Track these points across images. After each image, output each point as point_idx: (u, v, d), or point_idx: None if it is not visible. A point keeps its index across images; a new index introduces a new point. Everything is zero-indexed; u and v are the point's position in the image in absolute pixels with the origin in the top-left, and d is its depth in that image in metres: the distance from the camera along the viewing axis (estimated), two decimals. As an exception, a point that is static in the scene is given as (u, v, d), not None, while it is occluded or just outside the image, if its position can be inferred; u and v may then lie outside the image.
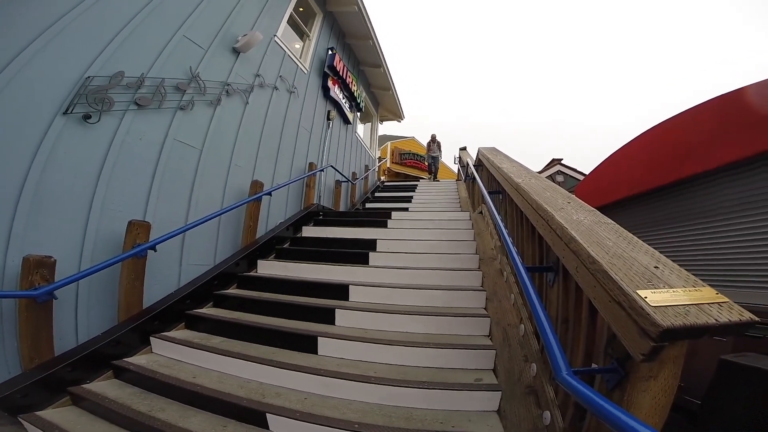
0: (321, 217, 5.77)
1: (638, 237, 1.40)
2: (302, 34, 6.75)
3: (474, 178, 5.00)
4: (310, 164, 6.38)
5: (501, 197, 3.52)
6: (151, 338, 2.91)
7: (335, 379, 2.18)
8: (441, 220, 5.08)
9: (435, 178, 11.82)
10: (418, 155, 20.07)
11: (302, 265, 3.98)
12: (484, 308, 2.91)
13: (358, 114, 9.64)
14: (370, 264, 3.86)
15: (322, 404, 2.05)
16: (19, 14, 2.50)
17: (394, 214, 5.37)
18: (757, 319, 0.94)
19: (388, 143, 19.89)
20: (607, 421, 0.85)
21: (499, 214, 2.94)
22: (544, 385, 1.68)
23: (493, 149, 4.52)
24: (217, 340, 2.88)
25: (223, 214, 3.88)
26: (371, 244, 4.19)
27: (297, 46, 6.54)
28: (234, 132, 4.44)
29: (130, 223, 2.94)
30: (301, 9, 6.57)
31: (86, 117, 2.77)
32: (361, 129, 10.67)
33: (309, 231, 5.14)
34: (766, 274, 3.23)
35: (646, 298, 0.99)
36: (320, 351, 2.58)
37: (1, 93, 2.34)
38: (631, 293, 1.02)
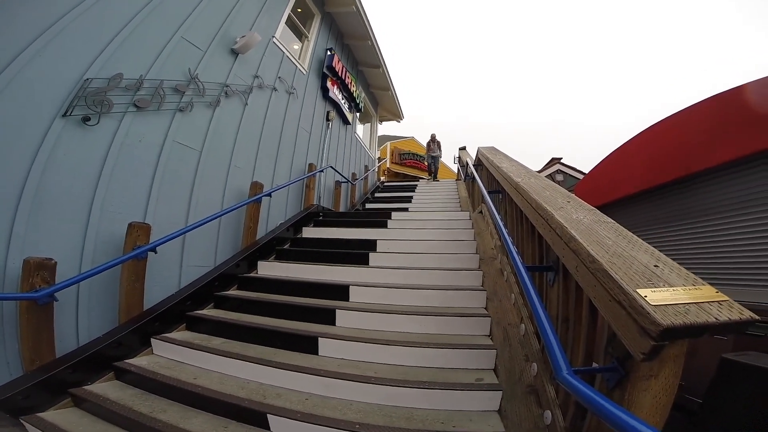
0: (321, 218, 5.77)
1: (638, 236, 1.40)
2: (301, 35, 6.75)
3: (474, 177, 5.00)
4: (310, 165, 6.39)
5: (501, 197, 3.52)
6: (151, 339, 2.91)
7: (336, 379, 2.18)
8: (441, 220, 5.08)
9: (435, 178, 11.81)
10: (417, 155, 20.08)
11: (302, 265, 3.98)
12: (485, 308, 2.90)
13: (358, 114, 9.64)
14: (370, 264, 3.86)
15: (323, 405, 2.05)
16: (19, 15, 2.50)
17: (394, 214, 5.37)
18: (757, 317, 0.94)
19: (388, 143, 19.89)
20: (608, 420, 0.85)
21: (498, 213, 2.94)
22: (544, 385, 1.68)
23: (493, 149, 4.53)
24: (217, 341, 2.88)
25: (223, 215, 3.88)
26: (371, 245, 4.19)
27: (295, 47, 6.54)
28: (233, 133, 4.44)
29: (130, 225, 2.94)
30: (299, 10, 6.57)
31: (85, 119, 2.77)
32: (360, 129, 10.67)
33: (309, 232, 5.14)
34: (766, 272, 3.23)
35: (646, 297, 0.99)
36: (321, 351, 2.58)
37: (1, 94, 2.34)
38: (631, 292, 1.02)
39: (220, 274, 3.77)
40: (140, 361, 2.70)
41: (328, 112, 7.35)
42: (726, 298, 1.00)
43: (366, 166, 10.46)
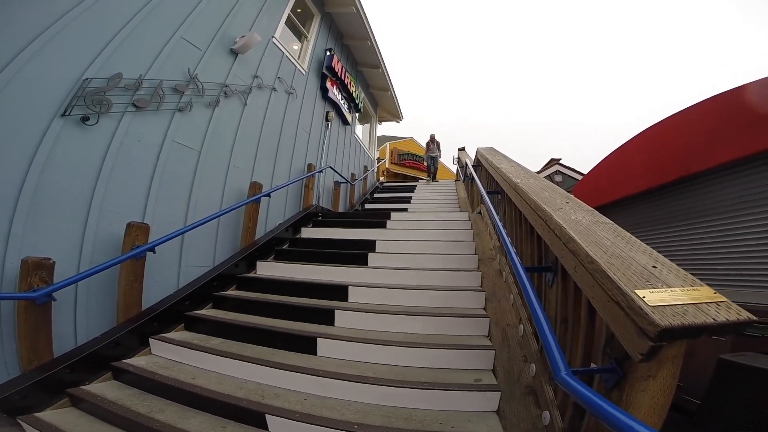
0: (320, 218, 5.77)
1: (636, 237, 1.40)
2: (300, 35, 6.75)
3: (473, 178, 5.00)
4: (309, 165, 6.39)
5: (500, 197, 3.52)
6: (150, 339, 2.91)
7: (334, 379, 2.18)
8: (440, 220, 5.08)
9: (434, 179, 11.80)
10: (416, 156, 20.08)
11: (301, 266, 3.98)
12: (483, 308, 2.91)
13: (357, 115, 9.64)
14: (369, 265, 3.86)
15: (321, 405, 2.05)
16: (18, 14, 2.50)
17: (393, 214, 5.37)
18: (755, 318, 0.94)
19: (387, 144, 19.90)
20: (606, 420, 0.85)
21: (497, 214, 2.94)
22: (543, 386, 1.69)
23: (492, 149, 4.53)
24: (216, 341, 2.88)
25: (222, 215, 3.88)
26: (370, 245, 4.19)
27: (295, 47, 6.54)
28: (232, 133, 4.44)
29: (128, 224, 2.94)
30: (299, 10, 6.57)
31: (84, 119, 2.76)
32: (359, 130, 10.68)
33: (308, 232, 5.13)
34: (764, 272, 3.24)
35: (644, 297, 0.99)
36: (319, 352, 2.58)
37: (0, 93, 2.34)
38: (629, 293, 1.02)
39: (218, 275, 3.77)
40: (138, 361, 2.69)
41: (327, 113, 7.35)
42: (724, 299, 1.00)
43: (365, 167, 10.46)
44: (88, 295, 2.74)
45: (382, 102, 11.70)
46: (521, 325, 2.22)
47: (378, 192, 10.55)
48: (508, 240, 2.17)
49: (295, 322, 2.98)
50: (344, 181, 8.06)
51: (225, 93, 4.28)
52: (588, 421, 1.28)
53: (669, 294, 1.01)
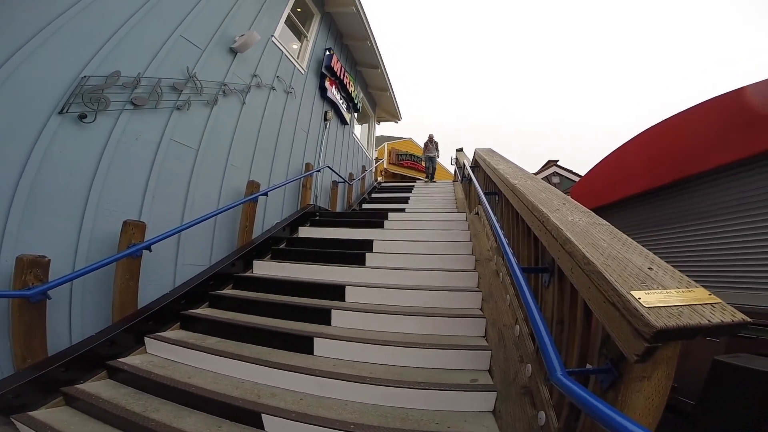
0: (317, 218, 5.77)
1: (633, 238, 1.41)
2: (300, 35, 6.74)
3: (470, 179, 5.01)
4: (307, 165, 6.38)
5: (497, 198, 3.53)
6: (145, 338, 2.89)
7: (331, 379, 2.18)
8: (437, 221, 5.09)
9: (432, 179, 11.80)
10: (415, 156, 20.09)
11: (298, 265, 3.97)
12: (480, 309, 2.91)
13: (356, 115, 9.64)
14: (366, 264, 3.86)
15: (317, 405, 2.05)
16: (16, 13, 2.48)
17: (390, 214, 5.38)
18: (749, 319, 0.95)
19: (386, 144, 19.90)
20: (601, 421, 0.86)
21: (495, 215, 2.95)
22: (539, 386, 1.69)
23: (490, 150, 4.54)
24: (212, 341, 2.87)
25: (219, 214, 3.87)
26: (368, 245, 4.19)
27: (294, 46, 6.53)
28: (231, 132, 4.43)
29: (125, 222, 2.93)
30: (298, 9, 6.57)
31: (82, 116, 2.75)
32: (358, 130, 10.68)
33: (305, 231, 5.13)
34: (758, 275, 3.25)
35: (639, 299, 0.99)
36: (316, 351, 2.58)
37: (-3, 91, 2.33)
38: (625, 294, 1.02)
39: (215, 273, 3.76)
40: (133, 360, 2.68)
41: (325, 112, 7.34)
42: (719, 300, 1.00)
43: (363, 167, 10.46)
44: (84, 293, 2.73)
45: (380, 102, 11.71)
46: (517, 326, 2.23)
47: (376, 192, 10.55)
48: (505, 241, 2.18)
49: (291, 322, 2.98)
50: (342, 180, 8.05)
51: (224, 92, 4.27)
52: (584, 422, 1.28)
53: (664, 295, 1.02)
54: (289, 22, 6.14)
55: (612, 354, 1.15)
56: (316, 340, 2.59)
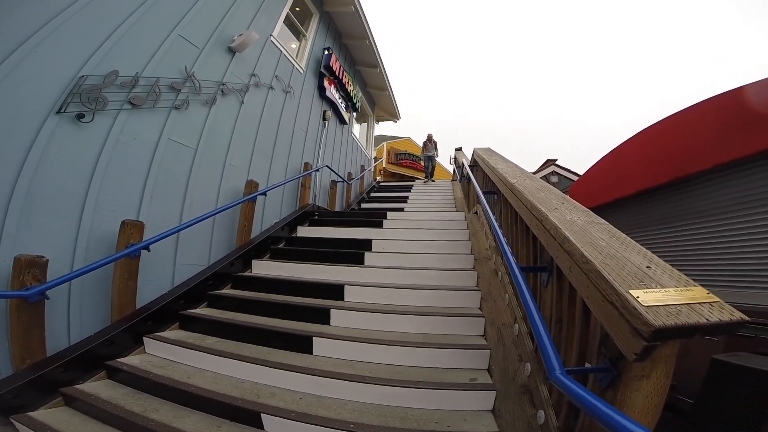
0: (316, 217, 5.77)
1: (631, 237, 1.41)
2: (298, 34, 6.73)
3: (469, 178, 5.01)
4: (306, 164, 6.38)
5: (496, 197, 3.53)
6: (144, 338, 2.89)
7: (330, 379, 2.18)
8: (436, 220, 5.10)
9: (431, 179, 11.78)
10: (414, 155, 20.09)
11: (297, 265, 3.97)
12: (479, 308, 2.92)
13: (354, 114, 9.64)
14: (365, 264, 3.86)
15: (317, 404, 2.05)
16: (14, 12, 2.47)
17: (389, 214, 5.38)
18: (747, 318, 0.95)
19: (384, 143, 19.90)
20: (600, 420, 0.86)
21: (493, 214, 2.95)
22: (538, 385, 1.69)
23: (488, 149, 4.54)
24: (211, 341, 2.87)
25: (218, 213, 3.86)
26: (367, 244, 4.19)
27: (293, 45, 6.52)
28: (229, 132, 4.42)
29: (123, 222, 2.92)
30: (297, 9, 6.56)
31: (79, 116, 2.75)
32: (357, 129, 10.67)
33: (304, 231, 5.13)
34: (756, 273, 3.26)
35: (638, 297, 0.99)
36: (315, 351, 2.58)
37: (-6, 91, 2.32)
38: (623, 293, 1.02)
39: (214, 273, 3.75)
40: (133, 360, 2.68)
41: (324, 112, 7.34)
42: (717, 299, 1.00)
43: (362, 166, 10.46)
44: (82, 293, 2.72)
45: (379, 101, 11.70)
46: (516, 325, 2.23)
47: (375, 191, 10.55)
48: (503, 240, 2.18)
49: (291, 322, 2.98)
50: (341, 180, 8.05)
51: (222, 91, 4.26)
52: (583, 421, 1.28)
53: (663, 294, 1.02)
54: (287, 22, 6.13)
55: (611, 353, 1.15)
56: (315, 339, 2.59)
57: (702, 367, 2.43)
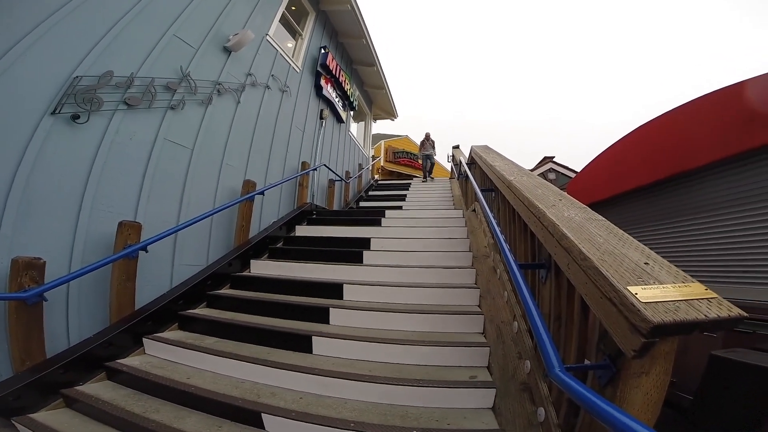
0: (314, 216, 5.76)
1: (629, 233, 1.41)
2: (295, 33, 6.71)
3: (467, 176, 5.02)
4: (303, 163, 6.36)
5: (494, 195, 3.53)
6: (143, 339, 2.88)
7: (330, 378, 2.18)
8: (435, 218, 5.09)
9: (431, 176, 11.72)
10: (411, 154, 20.07)
11: (296, 264, 3.97)
12: (478, 306, 2.92)
13: (352, 113, 9.62)
14: (364, 263, 3.85)
15: (317, 403, 2.05)
16: (7, 12, 2.46)
17: (387, 212, 5.37)
18: (746, 314, 0.95)
19: (382, 142, 19.87)
20: (600, 417, 0.86)
21: (491, 211, 2.95)
22: (537, 382, 1.69)
23: (486, 147, 4.54)
24: (210, 341, 2.87)
25: (215, 213, 3.86)
26: (365, 243, 4.19)
27: (289, 45, 6.50)
28: (226, 131, 4.41)
29: (120, 223, 2.91)
30: (293, 8, 6.53)
31: (75, 117, 2.73)
32: (354, 128, 10.64)
33: (302, 230, 5.12)
34: (754, 269, 3.27)
35: (636, 294, 0.99)
36: (315, 350, 2.58)
37: (-12, 92, 2.31)
38: (621, 289, 1.02)
39: (212, 273, 3.75)
40: (132, 361, 2.68)
41: (321, 111, 7.32)
42: (715, 295, 1.00)
43: (360, 165, 10.44)
44: (80, 295, 2.72)
45: (377, 100, 11.67)
46: (515, 322, 2.23)
47: (373, 190, 10.53)
48: (501, 237, 2.18)
49: (290, 321, 2.97)
50: (339, 179, 8.04)
51: (218, 91, 4.25)
52: (583, 418, 1.29)
53: (661, 290, 1.02)
54: (283, 21, 6.11)
55: (610, 350, 1.15)
56: (314, 338, 2.59)
57: (700, 363, 2.43)
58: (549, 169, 13.88)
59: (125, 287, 2.92)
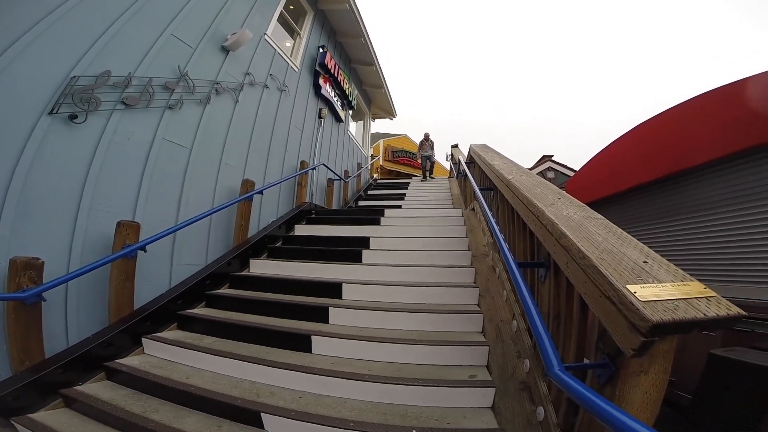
0: (313, 216, 5.76)
1: (627, 232, 1.41)
2: (293, 32, 6.70)
3: (466, 175, 5.01)
4: (302, 162, 6.35)
5: (492, 194, 3.53)
6: (142, 339, 2.88)
7: (330, 377, 2.18)
8: (433, 217, 5.08)
9: (431, 176, 11.67)
10: (410, 153, 20.05)
11: (295, 263, 3.97)
12: (477, 305, 2.92)
13: (350, 112, 9.60)
14: (363, 262, 3.85)
15: (317, 403, 2.05)
16: (3, 12, 2.45)
17: (387, 211, 5.36)
18: (744, 313, 0.95)
19: (381, 141, 19.85)
20: (599, 416, 0.86)
21: (490, 210, 2.95)
22: (537, 381, 1.69)
23: (485, 146, 4.53)
24: (209, 340, 2.86)
25: (214, 213, 3.85)
26: (364, 242, 4.19)
27: (287, 44, 6.49)
28: (224, 131, 4.40)
29: (119, 223, 2.91)
30: (291, 7, 6.52)
31: (72, 117, 2.72)
32: (353, 127, 10.64)
33: (301, 229, 5.12)
34: (753, 268, 3.28)
35: (635, 293, 0.99)
36: (314, 350, 2.58)
37: (-15, 92, 2.30)
38: (620, 288, 1.02)
39: (211, 273, 3.74)
40: (131, 361, 2.67)
41: (320, 110, 7.31)
42: (714, 294, 1.01)
43: (359, 164, 10.43)
44: (79, 295, 2.71)
45: (375, 99, 11.66)
46: (515, 321, 2.23)
47: (372, 189, 10.52)
48: (500, 236, 2.18)
49: (289, 320, 2.97)
50: (338, 178, 8.03)
51: (216, 90, 4.24)
52: (582, 417, 1.29)
53: (660, 289, 1.02)
54: (281, 20, 6.09)
55: (609, 348, 1.15)
56: (314, 338, 2.59)
57: (700, 363, 2.43)
58: (548, 168, 13.89)
59: (124, 287, 2.91)
